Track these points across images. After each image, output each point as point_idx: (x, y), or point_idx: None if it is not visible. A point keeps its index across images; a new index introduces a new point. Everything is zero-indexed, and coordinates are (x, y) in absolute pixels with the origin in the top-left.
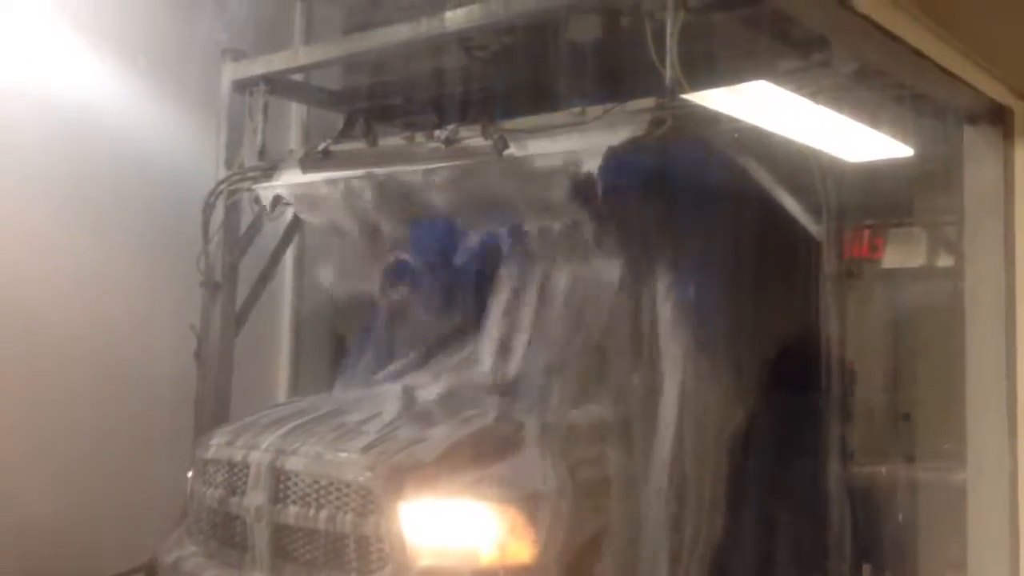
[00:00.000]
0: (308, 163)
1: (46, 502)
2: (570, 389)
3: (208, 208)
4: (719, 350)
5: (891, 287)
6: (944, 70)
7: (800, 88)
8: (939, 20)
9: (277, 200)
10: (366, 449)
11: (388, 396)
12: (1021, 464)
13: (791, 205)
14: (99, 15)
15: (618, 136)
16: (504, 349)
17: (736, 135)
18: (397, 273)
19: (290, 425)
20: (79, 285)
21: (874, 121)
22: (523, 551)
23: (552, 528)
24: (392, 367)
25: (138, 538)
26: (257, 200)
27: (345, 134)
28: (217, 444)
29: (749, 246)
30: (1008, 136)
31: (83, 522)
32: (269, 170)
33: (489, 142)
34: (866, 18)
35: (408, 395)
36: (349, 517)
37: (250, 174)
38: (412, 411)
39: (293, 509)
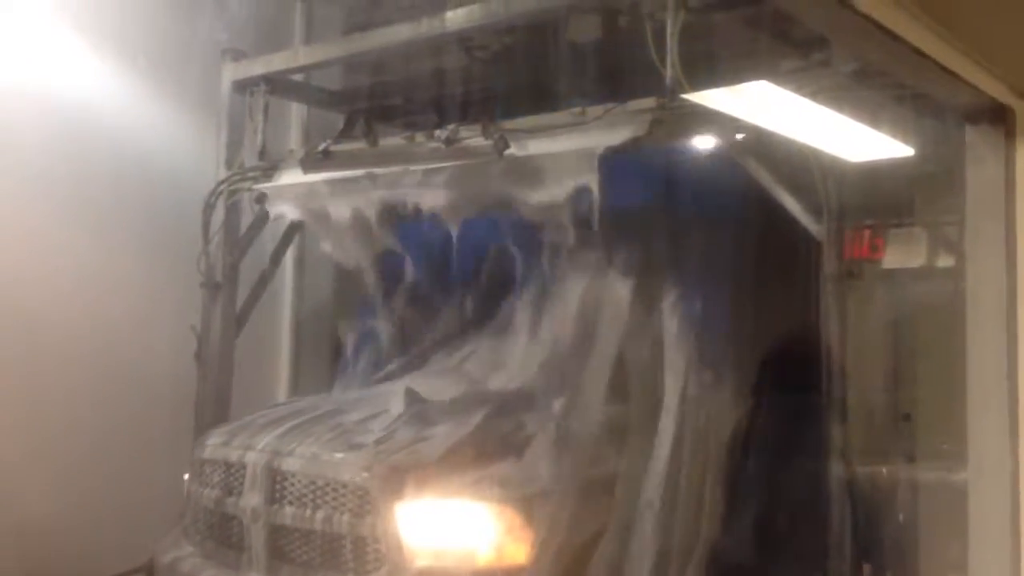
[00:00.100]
0: (308, 163)
1: (46, 502)
2: (569, 392)
3: (208, 208)
4: (721, 354)
5: (892, 287)
6: (945, 69)
7: (800, 88)
8: (940, 19)
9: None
10: (363, 449)
11: (386, 396)
12: (1022, 464)
13: (792, 205)
14: (99, 15)
15: (618, 136)
16: (504, 350)
17: (736, 135)
18: (395, 272)
19: (287, 425)
20: (79, 285)
21: (874, 121)
22: (520, 552)
23: (549, 529)
24: (390, 367)
25: (138, 538)
26: (259, 200)
27: (345, 134)
28: (213, 444)
29: (751, 249)
30: (1009, 135)
31: (83, 522)
32: (269, 170)
33: (489, 142)
34: (867, 17)
35: (411, 395)
36: (345, 518)
37: (250, 174)
38: (410, 411)
39: (289, 510)
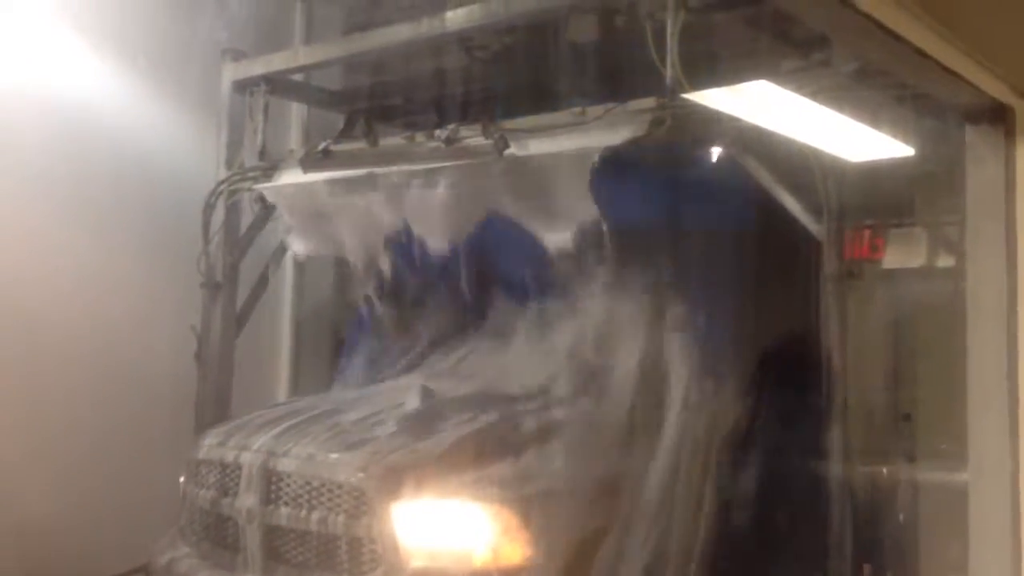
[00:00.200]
0: (308, 163)
1: (46, 502)
2: (568, 393)
3: (208, 208)
4: (722, 355)
5: (892, 287)
6: (945, 69)
7: (801, 88)
8: (941, 19)
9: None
10: (358, 450)
11: (384, 396)
12: (1022, 464)
13: (792, 205)
14: (99, 15)
15: (618, 136)
16: (502, 352)
17: (736, 135)
18: (395, 273)
19: (283, 426)
20: (79, 285)
21: (875, 121)
22: (516, 552)
23: (545, 530)
24: (388, 368)
25: (138, 538)
26: (259, 199)
27: (345, 134)
28: (209, 445)
29: (752, 252)
30: (1009, 135)
31: (83, 522)
32: (269, 170)
33: (489, 142)
34: (868, 17)
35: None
36: (341, 518)
37: (250, 174)
38: (408, 412)
39: (285, 510)
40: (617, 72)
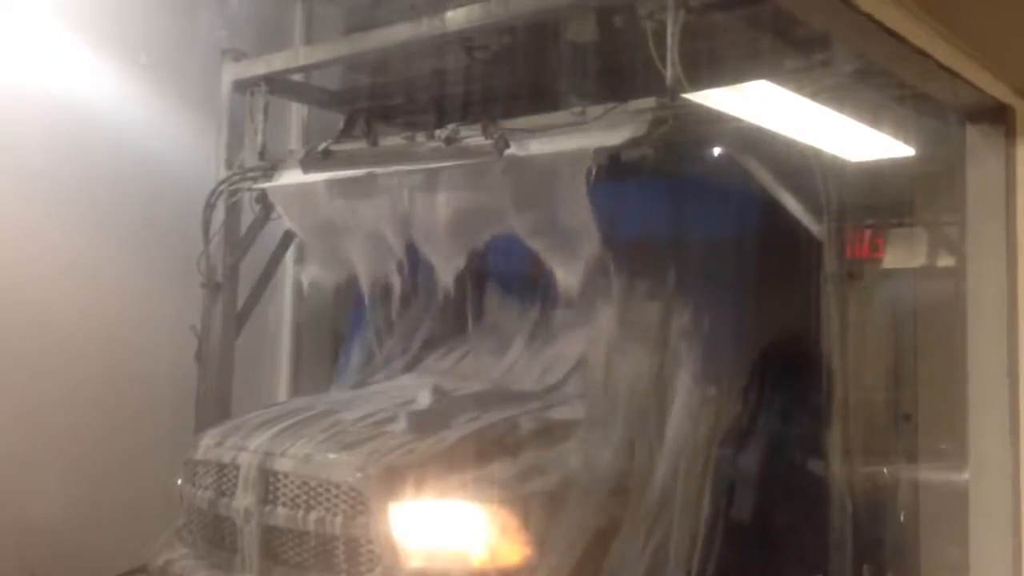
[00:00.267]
0: (309, 163)
1: (47, 502)
2: (567, 394)
3: (209, 208)
4: (723, 356)
5: (892, 287)
6: (946, 68)
7: (801, 88)
8: (941, 18)
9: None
10: (356, 450)
11: (383, 396)
12: (1022, 464)
13: (792, 205)
14: (99, 15)
15: (618, 136)
16: (500, 353)
17: (737, 135)
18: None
19: (280, 426)
20: (79, 285)
21: (875, 121)
22: (515, 553)
23: (544, 530)
24: (386, 368)
25: (138, 538)
26: (260, 199)
27: (346, 134)
28: (206, 445)
29: (752, 253)
30: (1010, 135)
31: (83, 522)
32: (270, 170)
33: (489, 142)
34: (868, 16)
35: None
36: (339, 519)
37: (251, 174)
38: (406, 412)
39: (282, 511)
40: (617, 72)
